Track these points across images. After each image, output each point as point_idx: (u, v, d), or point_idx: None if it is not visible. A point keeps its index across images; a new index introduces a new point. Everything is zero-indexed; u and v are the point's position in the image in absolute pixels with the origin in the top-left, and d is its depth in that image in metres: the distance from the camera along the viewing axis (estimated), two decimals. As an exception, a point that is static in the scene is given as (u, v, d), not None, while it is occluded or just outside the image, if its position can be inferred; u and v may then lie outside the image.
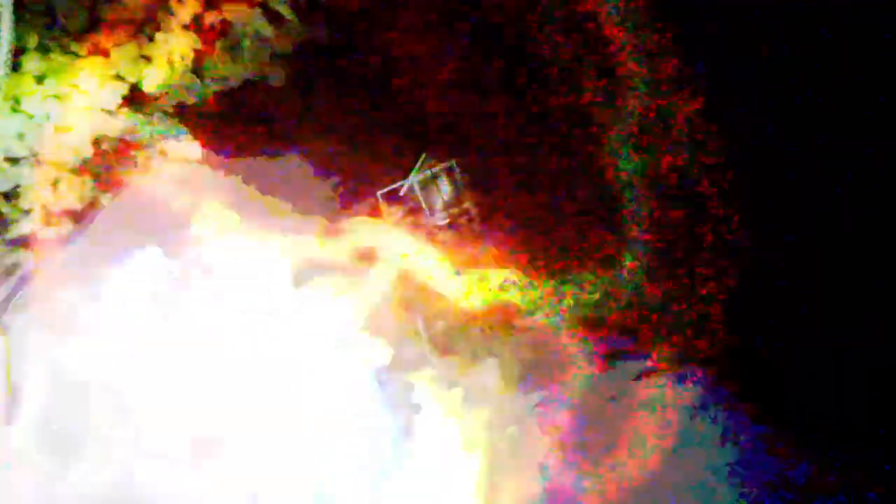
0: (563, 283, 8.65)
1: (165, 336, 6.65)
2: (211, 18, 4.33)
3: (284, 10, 4.31)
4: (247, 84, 4.85)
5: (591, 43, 12.31)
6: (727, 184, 7.34)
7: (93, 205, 5.54)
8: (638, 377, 6.20)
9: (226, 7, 4.31)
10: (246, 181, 8.28)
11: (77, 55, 4.27)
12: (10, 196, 5.17)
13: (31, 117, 4.43)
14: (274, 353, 7.44)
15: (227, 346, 7.14)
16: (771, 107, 7.04)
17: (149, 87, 4.70)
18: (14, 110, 4.31)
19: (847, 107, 6.59)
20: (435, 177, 16.33)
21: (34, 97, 4.31)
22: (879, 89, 6.48)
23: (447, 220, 15.03)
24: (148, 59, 4.50)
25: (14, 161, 4.74)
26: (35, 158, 4.80)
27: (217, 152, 8.74)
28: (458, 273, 8.56)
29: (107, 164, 5.73)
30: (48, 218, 5.45)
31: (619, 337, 7.02)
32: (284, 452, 6.44)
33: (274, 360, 7.38)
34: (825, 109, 6.64)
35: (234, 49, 4.45)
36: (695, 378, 5.69)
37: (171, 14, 4.29)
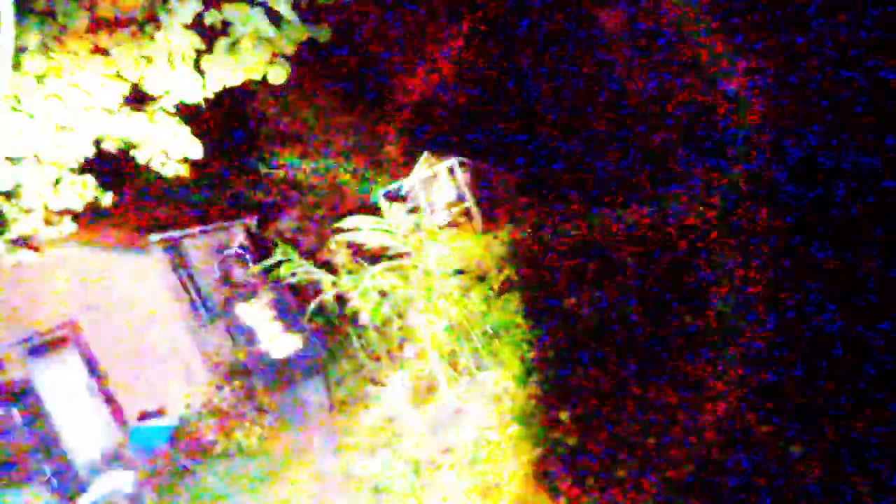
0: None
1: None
2: (211, 18, 4.31)
3: (285, 10, 4.29)
4: (247, 84, 4.84)
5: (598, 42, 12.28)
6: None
7: (94, 205, 5.53)
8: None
9: (226, 7, 4.29)
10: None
11: (77, 55, 4.25)
12: (11, 196, 5.17)
13: (31, 117, 4.41)
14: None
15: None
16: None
17: (150, 86, 4.68)
18: (14, 110, 4.30)
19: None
20: (435, 177, 16.40)
21: (34, 97, 4.30)
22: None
23: (447, 220, 15.06)
24: (149, 58, 4.48)
25: (14, 161, 4.74)
26: (35, 158, 4.80)
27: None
28: (458, 273, 8.55)
29: (108, 163, 5.74)
30: (49, 218, 5.45)
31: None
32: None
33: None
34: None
35: (234, 49, 4.43)
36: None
37: (172, 13, 4.27)
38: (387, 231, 7.76)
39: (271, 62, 4.58)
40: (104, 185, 5.47)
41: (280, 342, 10.43)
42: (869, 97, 6.70)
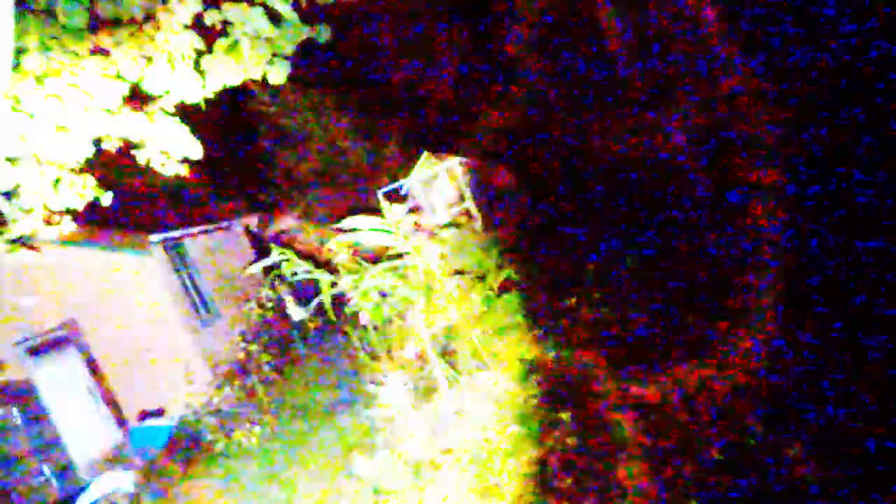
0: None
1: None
2: (211, 18, 4.31)
3: (285, 10, 4.29)
4: (247, 84, 4.84)
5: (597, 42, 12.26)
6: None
7: (93, 205, 5.53)
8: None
9: (226, 7, 4.29)
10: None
11: (77, 55, 4.25)
12: (11, 196, 5.17)
13: (31, 117, 4.41)
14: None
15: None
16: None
17: (150, 86, 4.67)
18: (14, 110, 4.30)
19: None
20: (435, 177, 16.42)
21: (34, 97, 4.29)
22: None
23: (447, 220, 15.04)
24: (149, 58, 4.47)
25: (14, 161, 4.73)
26: (35, 158, 4.79)
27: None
28: (458, 273, 8.55)
29: (108, 163, 5.73)
30: (49, 217, 5.44)
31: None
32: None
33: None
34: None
35: (234, 49, 4.43)
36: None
37: (172, 13, 4.27)
38: (387, 231, 7.75)
39: (271, 62, 4.58)
40: (104, 185, 5.46)
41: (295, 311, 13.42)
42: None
